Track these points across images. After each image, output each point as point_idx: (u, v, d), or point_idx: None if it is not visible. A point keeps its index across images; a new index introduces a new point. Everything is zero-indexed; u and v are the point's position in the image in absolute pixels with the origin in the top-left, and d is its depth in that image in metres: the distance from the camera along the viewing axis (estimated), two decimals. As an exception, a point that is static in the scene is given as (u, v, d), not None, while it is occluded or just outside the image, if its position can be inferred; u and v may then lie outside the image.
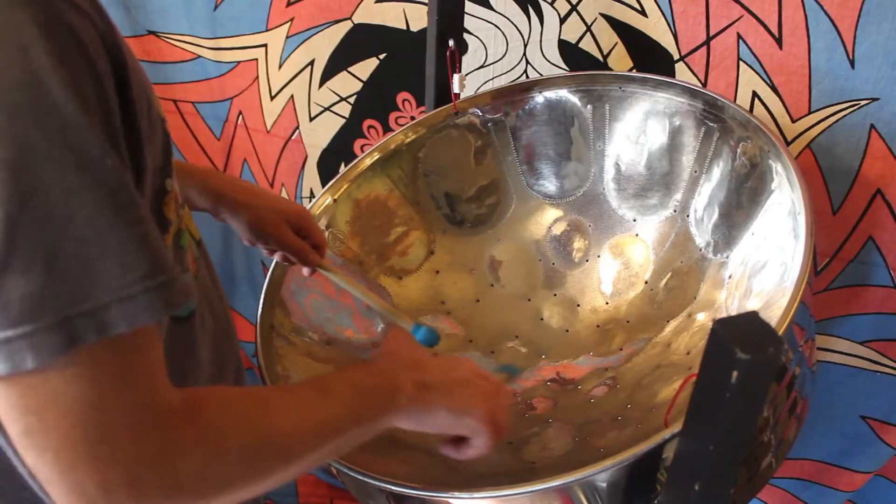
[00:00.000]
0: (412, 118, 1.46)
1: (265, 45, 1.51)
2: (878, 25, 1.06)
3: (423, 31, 1.35)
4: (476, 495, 0.77)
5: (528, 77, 1.35)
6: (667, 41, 1.22)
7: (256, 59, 1.53)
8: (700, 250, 1.08)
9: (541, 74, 1.32)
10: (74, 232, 0.46)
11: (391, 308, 1.10)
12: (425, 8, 1.30)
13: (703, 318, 1.03)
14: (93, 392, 0.48)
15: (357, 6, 1.40)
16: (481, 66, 1.37)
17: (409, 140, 1.22)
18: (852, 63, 1.10)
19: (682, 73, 1.22)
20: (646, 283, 1.14)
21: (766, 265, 0.93)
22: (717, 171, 1.06)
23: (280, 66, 1.52)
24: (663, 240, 1.13)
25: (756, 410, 0.57)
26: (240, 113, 1.62)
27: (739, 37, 1.16)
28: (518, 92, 1.20)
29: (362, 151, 1.35)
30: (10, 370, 0.46)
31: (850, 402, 1.36)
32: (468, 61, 1.36)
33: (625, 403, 1.01)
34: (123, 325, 0.48)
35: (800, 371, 0.86)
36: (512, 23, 1.31)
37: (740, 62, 1.18)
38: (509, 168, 1.23)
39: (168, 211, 0.64)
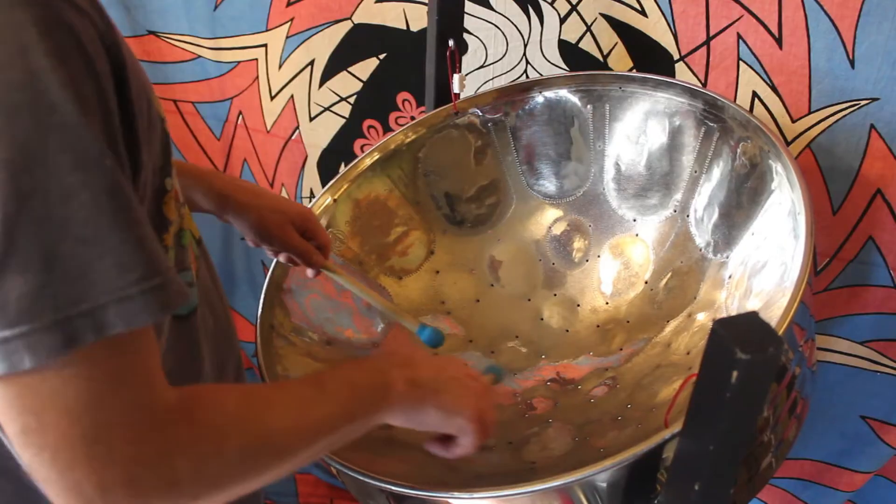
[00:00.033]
0: (412, 118, 1.46)
1: (265, 45, 1.51)
2: (878, 25, 1.06)
3: (423, 31, 1.35)
4: (476, 495, 0.77)
5: (528, 77, 1.35)
6: (667, 41, 1.22)
7: (256, 59, 1.53)
8: (700, 250, 1.08)
9: (541, 74, 1.32)
10: (73, 232, 0.46)
11: (396, 309, 1.10)
12: (425, 8, 1.30)
13: (703, 318, 1.03)
14: (90, 392, 0.48)
15: (357, 6, 1.40)
16: (481, 66, 1.37)
17: (409, 140, 1.22)
18: (852, 63, 1.10)
19: (682, 73, 1.22)
20: (646, 283, 1.14)
21: (766, 265, 0.93)
22: (717, 171, 1.06)
23: (280, 66, 1.52)
24: (663, 240, 1.13)
25: (756, 410, 0.57)
26: (240, 113, 1.62)
27: (739, 37, 1.16)
28: (518, 92, 1.20)
29: (362, 151, 1.35)
30: (8, 370, 0.46)
31: (850, 402, 1.36)
32: (468, 61, 1.36)
33: (625, 403, 1.01)
34: (121, 325, 0.48)
35: (800, 371, 0.86)
36: (512, 23, 1.31)
37: (740, 62, 1.18)
38: (509, 168, 1.23)
39: (168, 210, 0.64)
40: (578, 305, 1.19)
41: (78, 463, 0.48)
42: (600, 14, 1.25)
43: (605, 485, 0.74)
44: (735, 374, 0.52)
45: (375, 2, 1.38)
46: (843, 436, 1.39)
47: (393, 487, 0.81)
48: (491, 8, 1.31)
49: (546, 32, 1.30)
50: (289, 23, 1.46)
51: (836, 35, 1.09)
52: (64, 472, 0.48)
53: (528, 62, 1.34)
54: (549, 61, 1.32)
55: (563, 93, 1.17)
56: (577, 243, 1.21)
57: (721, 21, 1.16)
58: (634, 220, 1.17)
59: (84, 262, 0.47)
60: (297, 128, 1.58)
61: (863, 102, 1.12)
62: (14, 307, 0.46)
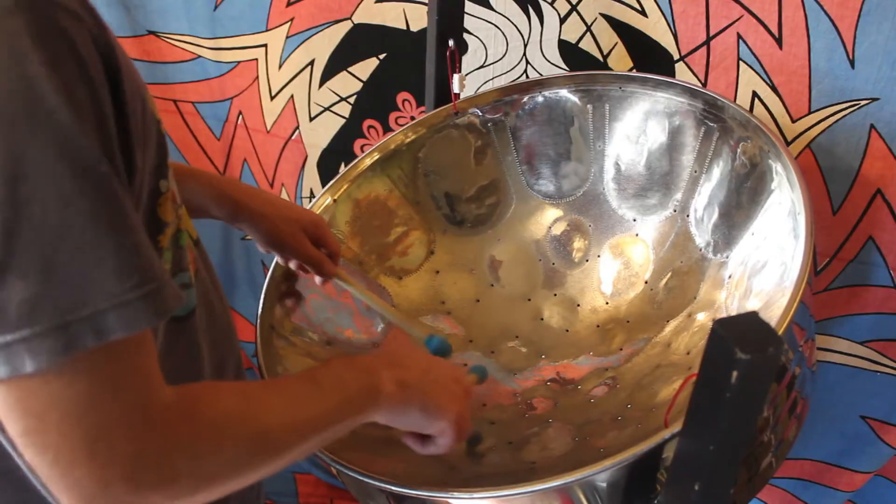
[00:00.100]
0: (412, 118, 1.46)
1: (265, 45, 1.51)
2: (878, 25, 1.06)
3: (423, 31, 1.35)
4: (476, 495, 0.77)
5: (528, 77, 1.35)
6: (667, 41, 1.22)
7: (256, 59, 1.53)
8: (700, 250, 1.08)
9: (541, 74, 1.32)
10: (71, 239, 0.47)
11: (404, 318, 1.11)
12: (425, 8, 1.30)
13: (703, 318, 1.03)
14: (91, 394, 0.49)
15: (357, 6, 1.40)
16: (481, 66, 1.37)
17: (409, 140, 1.22)
18: (852, 63, 1.10)
19: (682, 73, 1.22)
20: (646, 282, 1.14)
21: (766, 265, 0.93)
22: (717, 171, 1.06)
23: (280, 66, 1.52)
24: (663, 240, 1.13)
25: (756, 410, 0.57)
26: (240, 113, 1.62)
27: (739, 37, 1.16)
28: (518, 92, 1.20)
29: (362, 151, 1.35)
30: (10, 374, 0.47)
31: (850, 402, 1.36)
32: (468, 61, 1.36)
33: (625, 403, 1.01)
34: (121, 330, 0.49)
35: (800, 371, 0.86)
36: (512, 23, 1.31)
37: (740, 62, 1.18)
38: (509, 168, 1.23)
39: (163, 212, 0.64)
40: (578, 305, 1.19)
41: (79, 462, 0.49)
42: (600, 14, 1.25)
43: (605, 485, 0.74)
44: (735, 374, 0.52)
45: (375, 2, 1.38)
46: (843, 436, 1.39)
47: (393, 487, 0.81)
48: (491, 8, 1.31)
49: (546, 32, 1.30)
50: (289, 23, 1.46)
51: (836, 35, 1.09)
52: (66, 471, 0.49)
53: (528, 62, 1.34)
54: (549, 61, 1.32)
55: (563, 93, 1.17)
56: (577, 243, 1.21)
57: (721, 21, 1.16)
58: (634, 220, 1.17)
59: (83, 268, 0.47)
60: (297, 128, 1.58)
61: (863, 102, 1.12)
62: (15, 312, 0.46)
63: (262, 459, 0.60)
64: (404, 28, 1.39)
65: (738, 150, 1.01)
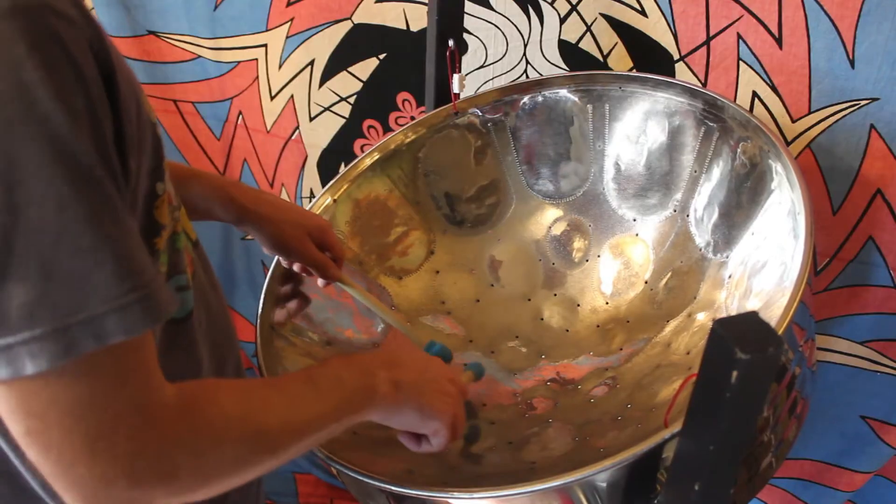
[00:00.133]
0: (412, 118, 1.46)
1: (265, 45, 1.51)
2: (878, 25, 1.06)
3: (423, 31, 1.35)
4: (476, 495, 0.77)
5: (528, 77, 1.35)
6: (667, 41, 1.22)
7: (256, 59, 1.53)
8: (700, 250, 1.08)
9: (541, 74, 1.32)
10: (68, 243, 0.47)
11: (407, 324, 1.12)
12: (425, 8, 1.30)
13: (703, 318, 1.03)
14: (91, 394, 0.50)
15: (357, 6, 1.40)
16: (481, 66, 1.37)
17: (409, 140, 1.22)
18: (852, 63, 1.10)
19: (682, 73, 1.22)
20: (646, 282, 1.14)
21: (766, 265, 0.93)
22: (717, 171, 1.06)
23: (280, 66, 1.52)
24: (663, 240, 1.13)
25: (756, 410, 0.57)
26: (240, 113, 1.62)
27: (739, 37, 1.16)
28: (518, 92, 1.20)
29: (362, 151, 1.35)
30: (12, 375, 0.48)
31: (850, 402, 1.36)
32: (468, 61, 1.36)
33: (625, 403, 1.01)
34: (120, 334, 0.49)
35: (800, 371, 0.86)
36: (512, 23, 1.31)
37: (740, 62, 1.18)
38: (509, 168, 1.23)
39: (160, 215, 0.64)
40: (578, 305, 1.19)
41: (81, 460, 0.50)
42: (600, 14, 1.25)
43: (605, 485, 0.74)
44: (735, 374, 0.52)
45: (375, 2, 1.38)
46: (843, 436, 1.39)
47: (393, 487, 0.81)
48: (491, 8, 1.31)
49: (546, 32, 1.30)
50: (289, 23, 1.46)
51: (836, 35, 1.09)
52: (68, 469, 0.50)
53: (528, 62, 1.34)
54: (549, 61, 1.32)
55: (563, 93, 1.17)
56: (577, 243, 1.21)
57: (721, 21, 1.16)
58: (634, 220, 1.17)
59: (80, 272, 0.48)
60: (297, 128, 1.58)
61: (863, 102, 1.12)
62: (15, 315, 0.47)
63: (261, 457, 0.61)
64: (404, 28, 1.39)
65: (738, 150, 1.01)
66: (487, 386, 1.11)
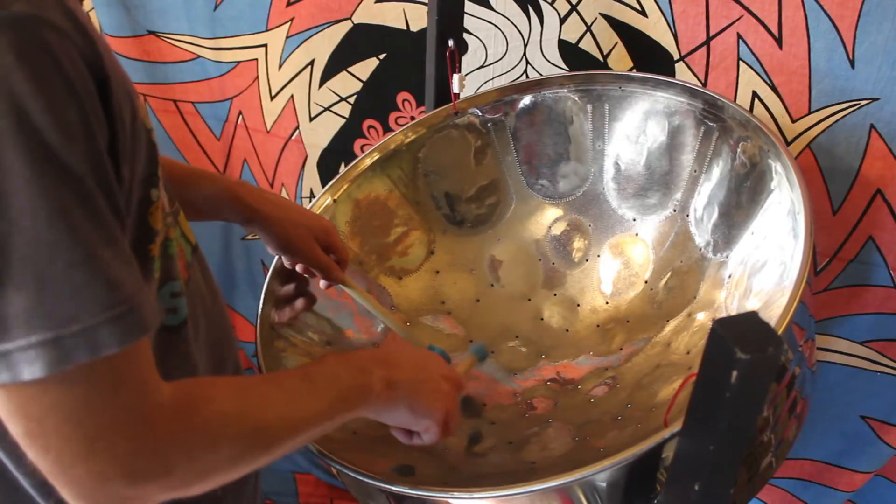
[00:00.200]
0: (412, 118, 1.46)
1: (265, 45, 1.51)
2: (878, 25, 1.06)
3: (423, 31, 1.35)
4: (476, 495, 0.77)
5: (528, 77, 1.35)
6: (667, 41, 1.22)
7: (256, 59, 1.53)
8: (700, 250, 1.08)
9: (541, 74, 1.32)
10: (60, 255, 0.48)
11: (406, 328, 1.12)
12: (425, 8, 1.30)
13: (703, 318, 1.03)
14: (88, 398, 0.51)
15: (357, 6, 1.40)
16: (481, 66, 1.37)
17: (409, 140, 1.22)
18: (852, 63, 1.10)
19: (682, 73, 1.22)
20: (646, 282, 1.14)
21: (766, 265, 0.93)
22: (717, 171, 1.06)
23: (280, 66, 1.52)
24: (663, 239, 1.13)
25: (756, 410, 0.57)
26: (240, 113, 1.62)
27: (739, 37, 1.16)
28: (518, 92, 1.20)
29: (362, 151, 1.35)
30: (10, 380, 0.48)
31: (850, 402, 1.36)
32: (468, 61, 1.36)
33: (625, 403, 1.01)
34: (114, 346, 0.50)
35: (800, 371, 0.86)
36: (512, 23, 1.31)
37: (740, 62, 1.18)
38: (509, 168, 1.23)
39: (153, 221, 0.64)
40: (578, 305, 1.19)
41: (80, 460, 0.51)
42: (600, 14, 1.25)
43: (604, 485, 0.74)
44: (735, 373, 0.52)
45: (375, 2, 1.38)
46: (843, 436, 1.39)
47: (393, 487, 0.81)
48: (491, 8, 1.31)
49: (546, 32, 1.30)
50: (289, 23, 1.46)
51: (836, 35, 1.09)
52: (67, 469, 0.51)
53: (528, 62, 1.34)
54: (549, 61, 1.32)
55: (563, 92, 1.17)
56: (577, 243, 1.21)
57: (721, 21, 1.16)
58: (634, 220, 1.17)
59: (74, 283, 0.49)
60: (297, 128, 1.58)
61: (863, 102, 1.12)
62: (13, 322, 0.48)
63: (256, 455, 0.61)
64: (404, 28, 1.39)
65: (738, 150, 1.01)
66: (487, 386, 1.11)
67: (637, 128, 1.14)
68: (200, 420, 0.57)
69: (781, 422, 0.84)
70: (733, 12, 1.15)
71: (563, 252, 1.22)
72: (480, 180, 1.24)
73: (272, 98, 1.56)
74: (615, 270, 1.18)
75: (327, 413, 0.68)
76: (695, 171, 1.09)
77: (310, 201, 1.55)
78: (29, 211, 0.47)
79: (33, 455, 0.51)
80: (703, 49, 1.19)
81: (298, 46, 1.48)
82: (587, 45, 1.28)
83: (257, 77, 1.55)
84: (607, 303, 1.17)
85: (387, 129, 1.51)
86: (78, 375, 0.50)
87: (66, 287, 0.48)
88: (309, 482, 2.00)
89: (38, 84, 0.47)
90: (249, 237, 1.75)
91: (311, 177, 1.63)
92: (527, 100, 1.20)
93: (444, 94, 1.20)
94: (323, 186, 1.31)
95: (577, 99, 1.17)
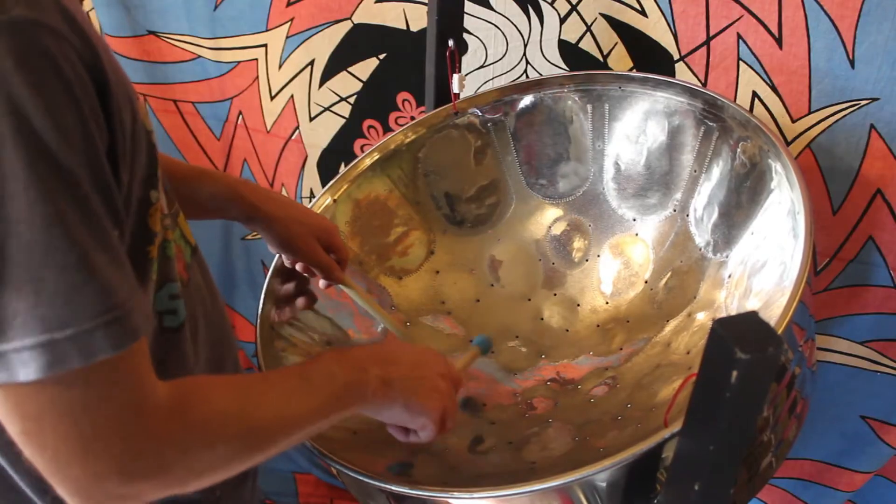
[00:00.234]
0: (412, 118, 1.46)
1: (265, 45, 1.51)
2: (878, 25, 1.06)
3: (423, 31, 1.35)
4: (476, 495, 0.77)
5: (528, 77, 1.35)
6: (667, 41, 1.22)
7: (256, 59, 1.53)
8: (700, 250, 1.08)
9: (541, 74, 1.32)
10: (55, 260, 0.48)
11: (405, 330, 1.12)
12: (425, 8, 1.30)
13: (703, 318, 1.03)
14: (85, 399, 0.51)
15: (357, 6, 1.40)
16: (481, 66, 1.37)
17: (409, 140, 1.22)
18: (852, 63, 1.10)
19: (682, 73, 1.22)
20: (646, 282, 1.14)
21: (766, 264, 0.93)
22: (717, 171, 1.06)
23: (280, 66, 1.52)
24: (663, 239, 1.13)
25: (756, 410, 0.57)
26: (240, 113, 1.62)
27: (739, 37, 1.16)
28: (518, 92, 1.20)
29: (362, 151, 1.35)
30: (7, 380, 0.49)
31: (850, 402, 1.36)
32: (468, 61, 1.36)
33: (625, 403, 1.01)
34: (109, 350, 0.50)
35: (800, 371, 0.86)
36: (512, 23, 1.31)
37: (740, 62, 1.18)
38: (509, 168, 1.23)
39: (153, 222, 0.64)
40: (578, 305, 1.19)
41: (76, 459, 0.51)
42: (600, 14, 1.25)
43: (604, 485, 0.74)
44: (735, 373, 0.52)
45: (375, 2, 1.38)
46: (843, 436, 1.39)
47: (393, 487, 0.81)
48: (491, 8, 1.31)
49: (546, 32, 1.30)
50: (289, 23, 1.46)
51: (836, 35, 1.09)
52: (63, 468, 0.52)
53: (528, 62, 1.34)
54: (549, 61, 1.32)
55: (563, 92, 1.17)
56: (577, 243, 1.21)
57: (721, 21, 1.16)
58: (634, 220, 1.17)
59: (67, 288, 0.49)
60: (297, 128, 1.58)
61: (863, 102, 1.12)
62: (10, 323, 0.48)
63: (252, 453, 0.62)
64: (404, 28, 1.39)
65: (738, 150, 1.01)
66: (487, 386, 1.11)
67: (637, 128, 1.14)
68: (196, 419, 0.57)
69: (781, 422, 0.84)
70: (733, 12, 1.15)
71: (563, 252, 1.22)
72: (480, 180, 1.24)
73: (272, 98, 1.56)
74: (615, 270, 1.18)
75: (323, 411, 0.68)
76: (695, 171, 1.09)
77: (310, 201, 1.55)
78: (26, 214, 0.47)
79: (30, 454, 0.52)
80: (703, 49, 1.19)
81: (298, 46, 1.48)
82: (587, 45, 1.28)
83: (257, 77, 1.55)
84: (607, 303, 1.17)
85: (387, 129, 1.51)
86: (74, 376, 0.50)
87: (59, 291, 0.48)
88: (309, 482, 2.00)
89: (37, 88, 0.47)
90: (249, 237, 1.75)
91: (311, 177, 1.63)
92: (527, 100, 1.20)
93: (444, 94, 1.20)
94: (323, 186, 1.31)
95: (577, 99, 1.17)
